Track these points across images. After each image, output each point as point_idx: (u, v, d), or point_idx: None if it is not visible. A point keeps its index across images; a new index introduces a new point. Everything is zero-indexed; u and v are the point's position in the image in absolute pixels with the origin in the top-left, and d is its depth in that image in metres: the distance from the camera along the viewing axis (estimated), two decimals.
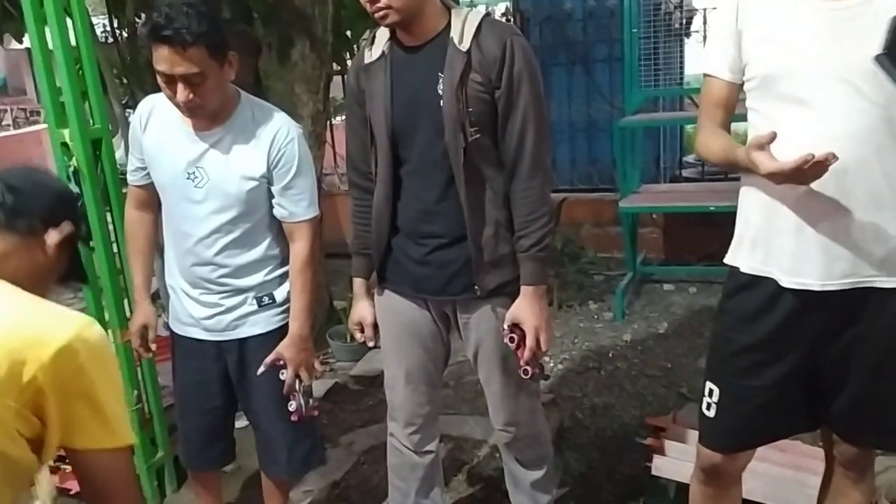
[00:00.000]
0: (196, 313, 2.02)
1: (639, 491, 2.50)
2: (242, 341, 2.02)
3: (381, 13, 1.70)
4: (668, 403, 3.16)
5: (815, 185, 1.42)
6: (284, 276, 2.02)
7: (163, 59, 1.69)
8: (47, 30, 2.30)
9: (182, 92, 1.73)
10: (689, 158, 6.38)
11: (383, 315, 2.04)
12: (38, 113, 19.46)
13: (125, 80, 3.93)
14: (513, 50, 1.72)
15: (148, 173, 2.01)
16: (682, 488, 2.20)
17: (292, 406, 2.01)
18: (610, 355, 3.72)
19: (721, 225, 4.08)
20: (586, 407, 3.20)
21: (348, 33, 4.72)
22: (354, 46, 5.31)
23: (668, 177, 5.90)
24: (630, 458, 2.72)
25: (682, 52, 5.99)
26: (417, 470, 2.13)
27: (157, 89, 3.75)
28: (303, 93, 3.73)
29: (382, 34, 1.84)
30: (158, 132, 1.94)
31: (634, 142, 4.68)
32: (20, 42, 3.66)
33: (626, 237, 4.66)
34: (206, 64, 1.71)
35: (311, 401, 2.06)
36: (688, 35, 6.39)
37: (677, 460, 2.34)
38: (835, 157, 1.33)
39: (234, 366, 2.05)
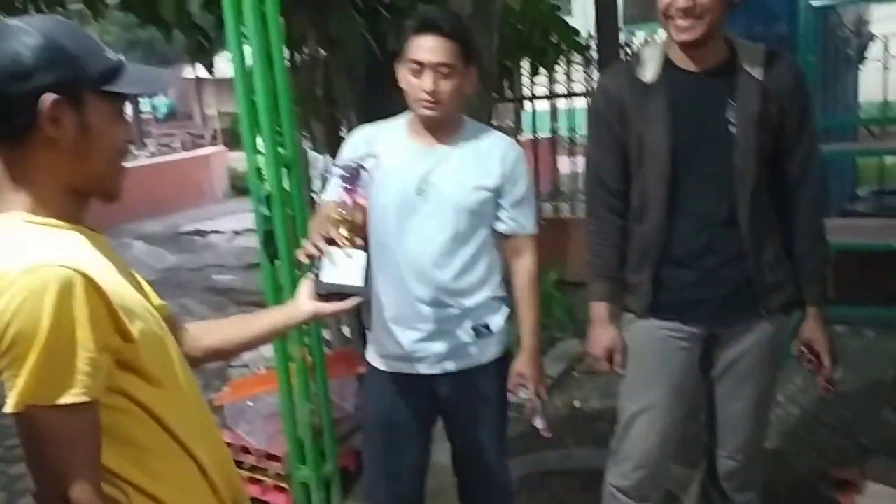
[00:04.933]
0: (409, 346, 1.96)
1: None
2: (458, 374, 1.97)
3: (689, 23, 1.72)
4: (848, 455, 2.94)
5: None
6: (500, 304, 2.01)
7: (423, 48, 1.81)
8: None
9: (429, 80, 1.81)
10: (862, 192, 5.99)
11: (636, 346, 1.98)
12: (203, 137, 21.03)
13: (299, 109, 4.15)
14: (804, 81, 1.81)
15: None
16: None
17: (540, 424, 1.97)
18: (781, 400, 3.50)
19: None
20: None
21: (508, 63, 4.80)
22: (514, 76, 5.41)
23: (836, 210, 5.55)
24: None
25: (857, 79, 5.67)
26: None
27: (330, 117, 3.96)
28: None
29: (651, 55, 1.86)
30: (386, 154, 1.92)
31: None
32: (210, 73, 3.95)
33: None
34: (457, 60, 1.83)
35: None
36: (862, 61, 6.04)
37: None
38: None
39: (448, 400, 2.00)
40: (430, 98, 1.82)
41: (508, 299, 2.04)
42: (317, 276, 1.47)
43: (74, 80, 1.02)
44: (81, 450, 0.97)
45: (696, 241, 1.85)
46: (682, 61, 1.82)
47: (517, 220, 1.96)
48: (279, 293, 2.60)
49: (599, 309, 1.98)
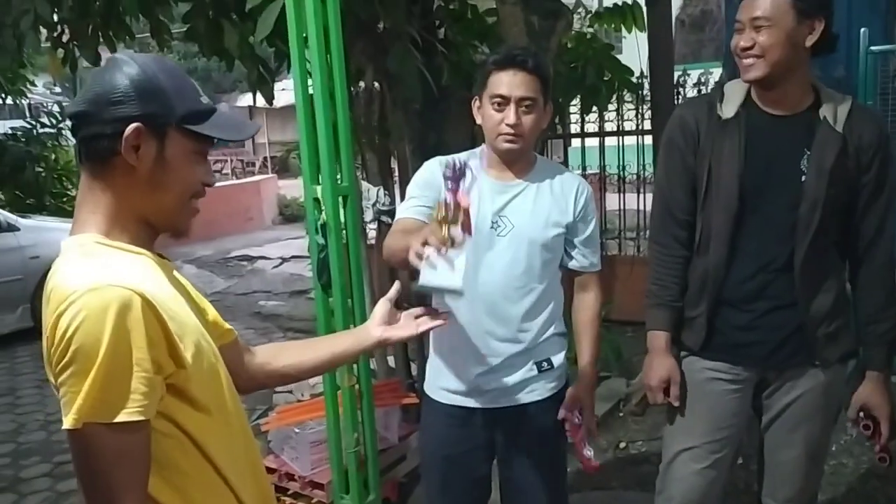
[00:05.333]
0: (473, 379, 1.94)
1: None
2: (517, 408, 1.96)
3: (750, 61, 1.74)
4: None
5: None
6: (562, 340, 2.01)
7: (506, 82, 1.83)
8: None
9: (513, 114, 1.82)
10: None
11: (688, 385, 1.96)
12: (254, 164, 21.46)
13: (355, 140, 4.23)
14: (888, 139, 1.77)
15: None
16: None
17: (589, 454, 1.96)
18: (833, 449, 3.40)
19: None
20: None
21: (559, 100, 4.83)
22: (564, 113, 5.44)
23: None
24: None
25: None
26: None
27: (383, 149, 4.01)
28: None
29: (733, 91, 1.86)
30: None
31: None
32: (270, 104, 4.06)
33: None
34: (538, 94, 1.85)
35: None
36: None
37: None
38: None
39: (505, 433, 1.99)
40: (512, 132, 1.84)
41: (568, 334, 2.05)
42: (412, 279, 1.45)
43: (160, 114, 1.08)
44: (132, 468, 0.99)
45: (750, 283, 1.84)
46: (764, 103, 1.81)
47: (586, 256, 1.99)
48: (331, 320, 2.64)
49: (658, 338, 1.96)
